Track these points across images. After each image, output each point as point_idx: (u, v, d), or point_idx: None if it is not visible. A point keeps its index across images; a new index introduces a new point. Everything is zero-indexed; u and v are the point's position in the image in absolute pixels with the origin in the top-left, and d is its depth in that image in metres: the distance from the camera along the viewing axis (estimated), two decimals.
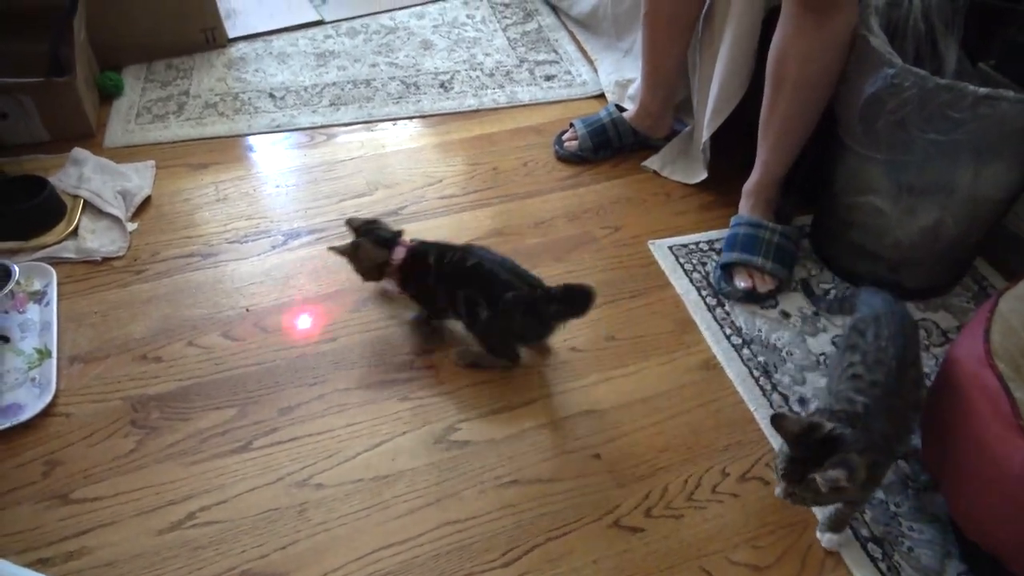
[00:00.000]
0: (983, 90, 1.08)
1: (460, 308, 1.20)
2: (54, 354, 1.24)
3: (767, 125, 1.35)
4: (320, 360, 1.26)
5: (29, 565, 0.99)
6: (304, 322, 1.32)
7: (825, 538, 1.05)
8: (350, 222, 1.29)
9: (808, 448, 0.90)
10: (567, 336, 1.31)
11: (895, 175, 1.24)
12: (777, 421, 0.91)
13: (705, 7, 1.49)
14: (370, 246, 1.10)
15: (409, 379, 1.24)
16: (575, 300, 1.16)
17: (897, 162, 1.22)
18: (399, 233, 1.26)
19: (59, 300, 1.33)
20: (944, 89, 1.09)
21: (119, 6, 1.80)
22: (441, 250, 1.23)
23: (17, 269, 1.30)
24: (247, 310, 1.34)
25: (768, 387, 1.24)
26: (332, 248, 1.04)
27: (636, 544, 1.04)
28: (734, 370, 1.26)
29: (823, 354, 1.29)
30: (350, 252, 1.24)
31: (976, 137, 1.12)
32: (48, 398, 1.17)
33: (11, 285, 1.27)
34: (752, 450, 1.16)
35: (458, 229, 1.51)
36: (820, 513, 1.07)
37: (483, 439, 1.16)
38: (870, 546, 1.04)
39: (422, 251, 1.24)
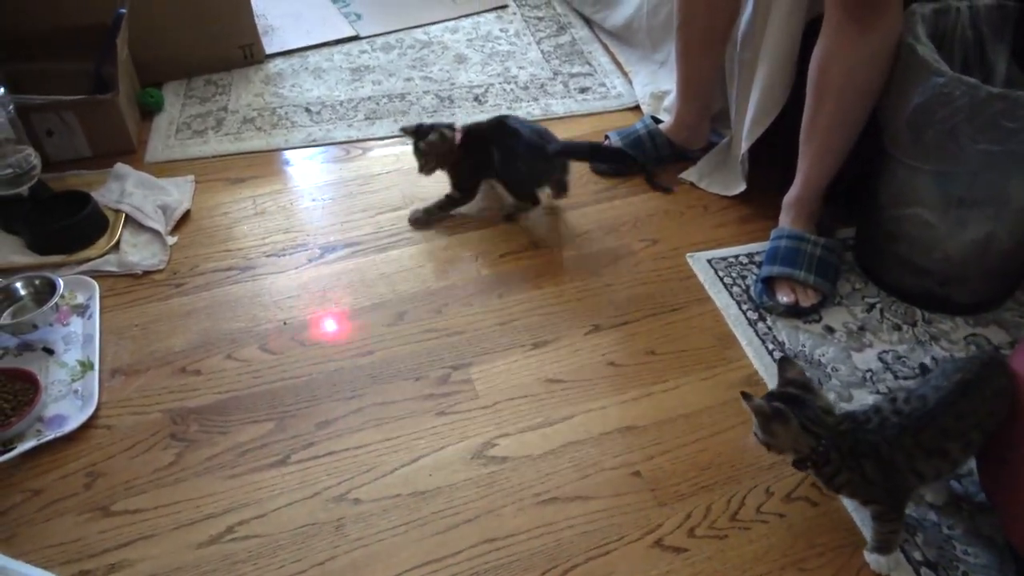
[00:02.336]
0: None
1: (496, 161, 1.49)
2: (96, 366, 1.25)
3: (809, 136, 1.33)
4: (357, 374, 1.26)
5: None
6: (336, 328, 1.33)
7: (872, 559, 1.02)
8: (404, 129, 1.53)
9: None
10: (606, 351, 1.29)
11: (944, 187, 1.21)
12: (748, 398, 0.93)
13: (743, 17, 1.47)
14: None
15: (447, 393, 1.23)
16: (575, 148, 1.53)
17: (946, 173, 1.19)
18: (451, 125, 1.52)
19: (101, 313, 1.35)
20: (998, 98, 1.06)
21: (160, 25, 1.83)
22: (479, 124, 1.54)
23: (62, 283, 1.32)
24: (284, 323, 1.34)
25: None
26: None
27: (679, 565, 1.02)
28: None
29: (869, 370, 1.25)
30: (432, 143, 1.48)
31: None
32: (90, 410, 1.18)
33: (56, 298, 1.30)
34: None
35: (492, 242, 1.51)
36: (867, 532, 1.04)
37: (521, 455, 1.14)
38: (923, 570, 1.00)
39: (473, 127, 1.53)
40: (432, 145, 1.49)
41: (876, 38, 1.19)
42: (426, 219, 1.56)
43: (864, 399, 1.21)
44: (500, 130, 1.48)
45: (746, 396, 0.92)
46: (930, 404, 0.93)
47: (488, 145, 1.49)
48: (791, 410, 0.91)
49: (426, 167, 1.53)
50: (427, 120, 1.75)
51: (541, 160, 1.47)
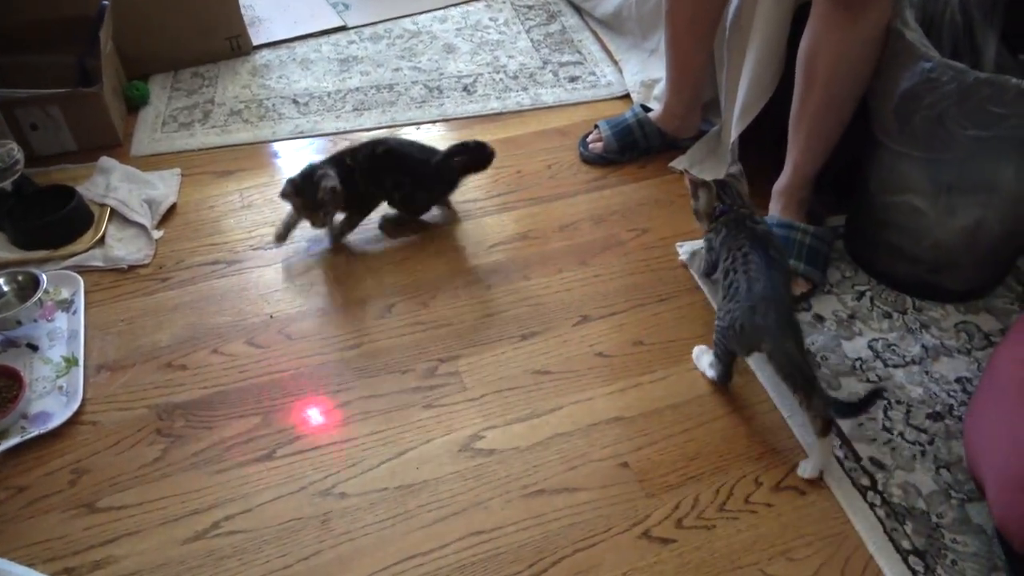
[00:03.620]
0: None
1: (389, 191, 1.45)
2: (81, 362, 1.24)
3: (798, 124, 1.32)
4: (344, 367, 1.25)
5: (56, 574, 1.00)
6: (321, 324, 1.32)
7: (699, 357, 1.23)
8: (284, 195, 1.41)
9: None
10: (594, 342, 1.28)
11: (934, 173, 1.20)
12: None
13: (732, 4, 1.46)
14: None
15: (434, 386, 1.22)
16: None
17: (936, 160, 1.18)
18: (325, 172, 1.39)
19: (86, 308, 1.34)
20: (985, 83, 1.05)
21: (145, 17, 1.81)
22: (354, 151, 1.44)
23: (46, 278, 1.31)
24: (271, 317, 1.33)
25: None
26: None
27: (667, 556, 1.01)
28: (765, 376, 1.22)
29: (859, 359, 1.25)
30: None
31: (1019, 132, 1.08)
32: (75, 406, 1.18)
33: (40, 294, 1.29)
34: (786, 458, 1.12)
35: (482, 233, 1.50)
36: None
37: (509, 447, 1.14)
38: (911, 559, 1.00)
39: (339, 158, 1.43)
40: (330, 193, 1.36)
41: (865, 24, 1.18)
42: (333, 234, 1.48)
43: (854, 388, 1.20)
44: (386, 158, 1.41)
45: (685, 171, 1.32)
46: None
47: (375, 173, 1.42)
48: (713, 185, 1.23)
49: (324, 219, 1.41)
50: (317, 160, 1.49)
51: (435, 178, 1.45)
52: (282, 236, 1.45)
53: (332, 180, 1.36)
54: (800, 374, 1.05)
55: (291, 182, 1.39)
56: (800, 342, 1.07)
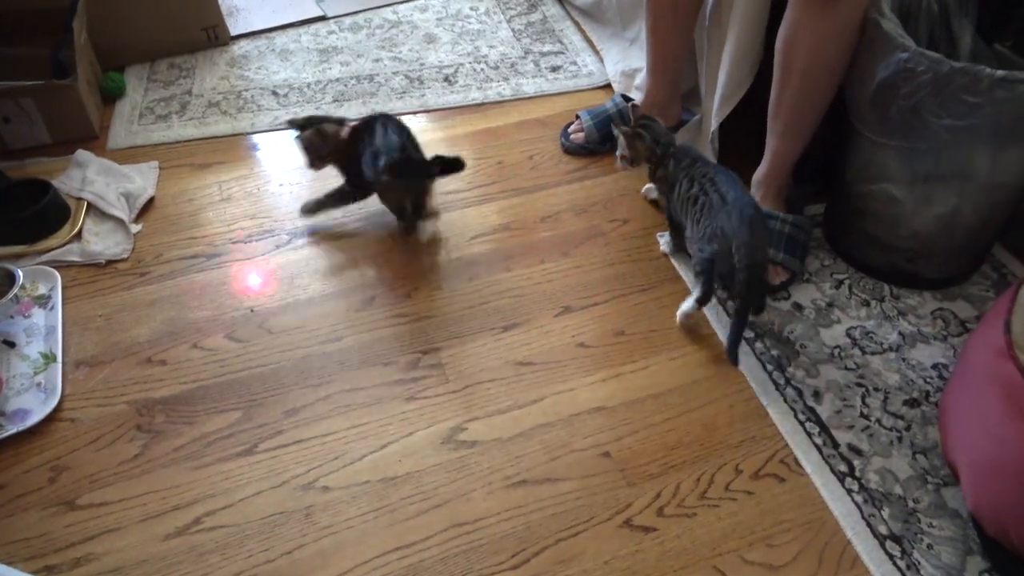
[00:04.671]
0: (1000, 72, 1.04)
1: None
2: (59, 358, 1.23)
3: (776, 113, 1.32)
4: (326, 361, 1.25)
5: (36, 572, 0.99)
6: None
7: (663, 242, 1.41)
8: (292, 121, 1.43)
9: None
10: (576, 332, 1.29)
11: (910, 162, 1.21)
12: None
13: None
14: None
15: (416, 378, 1.22)
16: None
17: (912, 149, 1.19)
18: (341, 120, 1.44)
19: (64, 304, 1.33)
20: (960, 73, 1.06)
21: (120, 7, 1.79)
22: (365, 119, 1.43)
23: (21, 273, 1.30)
24: (252, 311, 1.33)
25: (781, 381, 1.21)
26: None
27: (648, 544, 1.02)
28: (746, 364, 1.23)
29: (837, 346, 1.26)
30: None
31: (994, 121, 1.09)
32: (54, 403, 1.17)
33: (15, 290, 1.27)
34: (766, 446, 1.13)
35: (463, 225, 1.49)
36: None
37: (491, 439, 1.14)
38: (888, 543, 1.02)
39: (360, 124, 1.43)
40: (309, 141, 1.41)
41: (842, 13, 1.18)
42: (316, 209, 1.48)
43: (832, 375, 1.22)
44: (367, 128, 1.40)
45: (615, 126, 1.38)
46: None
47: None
48: (644, 130, 1.33)
49: (311, 164, 1.45)
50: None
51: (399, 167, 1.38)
52: (311, 210, 1.48)
53: (313, 131, 1.40)
54: (751, 279, 1.16)
55: (304, 119, 1.43)
56: (766, 249, 1.22)
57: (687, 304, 1.27)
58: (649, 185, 1.51)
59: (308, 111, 1.77)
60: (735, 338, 1.22)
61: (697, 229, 1.23)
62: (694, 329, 1.30)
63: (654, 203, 1.53)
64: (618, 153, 1.39)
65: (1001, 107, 1.06)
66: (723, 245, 1.17)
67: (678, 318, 1.29)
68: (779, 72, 1.27)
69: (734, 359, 1.23)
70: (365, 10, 2.14)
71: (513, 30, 2.07)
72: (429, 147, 1.67)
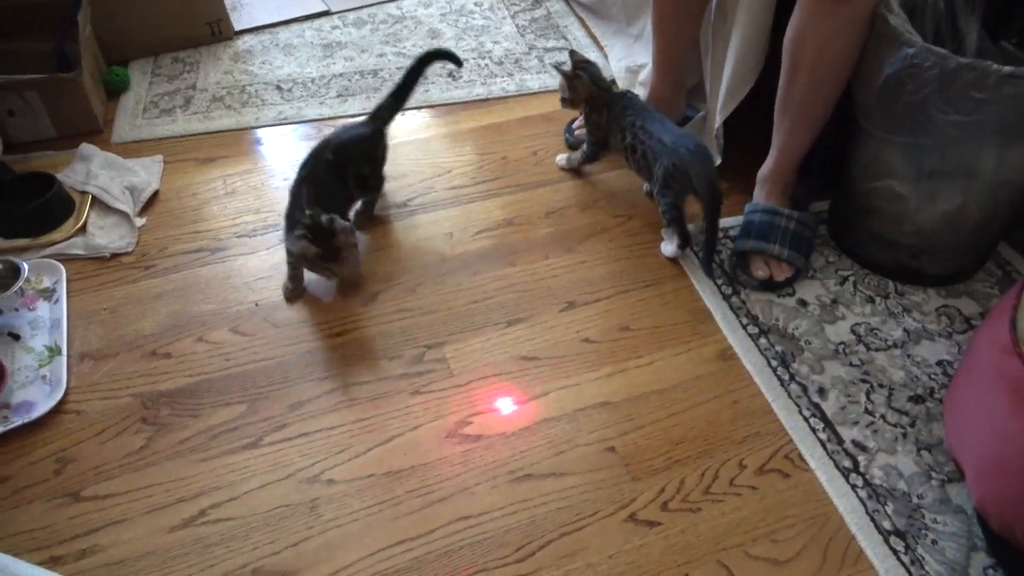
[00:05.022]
0: (1007, 69, 1.04)
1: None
2: (64, 351, 1.23)
3: (783, 109, 1.32)
4: (330, 354, 1.25)
5: (42, 563, 0.99)
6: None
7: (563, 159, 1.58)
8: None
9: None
10: (580, 327, 1.29)
11: (915, 159, 1.20)
12: None
13: None
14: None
15: (421, 373, 1.22)
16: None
17: (917, 145, 1.19)
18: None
19: (69, 297, 1.33)
20: (966, 68, 1.06)
21: (125, 1, 1.78)
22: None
23: (26, 267, 1.30)
24: (256, 305, 1.33)
25: (786, 377, 1.21)
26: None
27: (653, 538, 1.02)
28: (751, 360, 1.23)
29: (842, 343, 1.26)
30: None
31: (1000, 118, 1.09)
32: (59, 395, 1.17)
33: (21, 282, 1.27)
34: (770, 442, 1.13)
35: (467, 220, 1.49)
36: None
37: (495, 433, 1.14)
38: (892, 539, 1.02)
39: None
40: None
41: (850, 9, 1.18)
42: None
43: (836, 371, 1.22)
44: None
45: (555, 66, 1.50)
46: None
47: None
48: (583, 72, 1.44)
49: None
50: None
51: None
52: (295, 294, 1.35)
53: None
54: (712, 202, 1.29)
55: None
56: (714, 168, 1.35)
57: (670, 249, 1.40)
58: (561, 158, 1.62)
59: (312, 106, 1.77)
60: (709, 253, 1.34)
61: (654, 181, 1.37)
62: (698, 325, 1.30)
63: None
64: (561, 97, 1.50)
65: (1007, 103, 1.06)
66: (680, 182, 1.32)
67: (665, 254, 1.41)
68: (787, 68, 1.27)
69: (708, 272, 1.36)
70: (369, 5, 2.14)
71: (517, 26, 2.07)
72: (432, 143, 1.70)
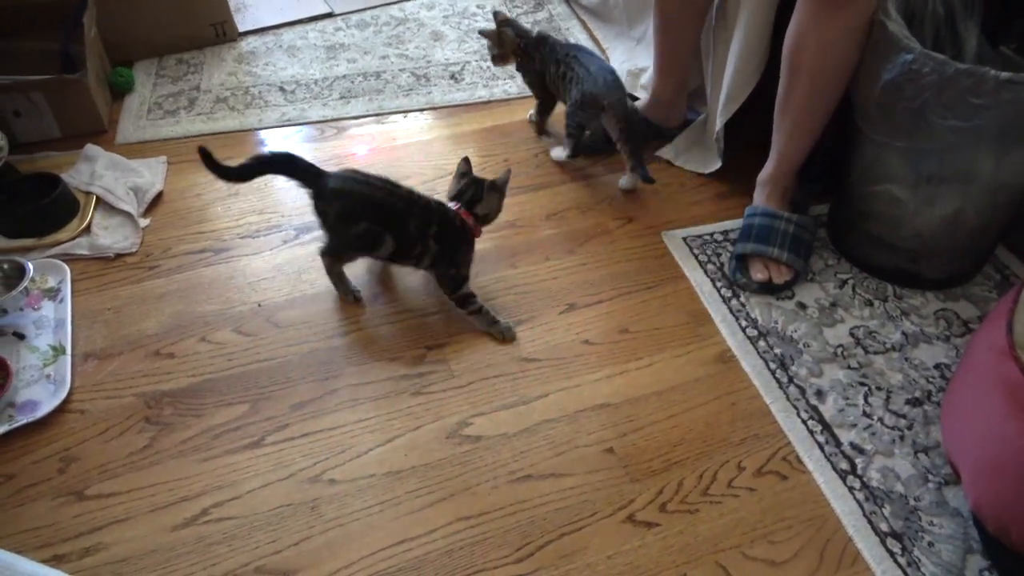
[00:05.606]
0: (1005, 74, 1.05)
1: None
2: (68, 351, 1.24)
3: (783, 113, 1.33)
4: (332, 355, 1.26)
5: (45, 561, 1.00)
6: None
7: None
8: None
9: None
10: (581, 329, 1.30)
11: (914, 163, 1.21)
12: None
13: None
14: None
15: (421, 374, 1.23)
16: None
17: (916, 150, 1.19)
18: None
19: (73, 297, 1.34)
20: (965, 74, 1.07)
21: (129, 2, 1.80)
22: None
23: (32, 266, 1.31)
24: (259, 305, 1.34)
25: (784, 380, 1.22)
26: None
27: (651, 539, 1.03)
28: (750, 363, 1.24)
29: (841, 346, 1.27)
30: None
31: (998, 123, 1.09)
32: (63, 395, 1.18)
33: (26, 282, 1.28)
34: (768, 444, 1.14)
35: None
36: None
37: (496, 434, 1.15)
38: (889, 541, 1.03)
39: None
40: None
41: (849, 14, 1.19)
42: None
43: (835, 374, 1.23)
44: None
45: (481, 31, 1.61)
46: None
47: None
48: (508, 26, 1.57)
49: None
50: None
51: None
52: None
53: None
54: (630, 124, 1.48)
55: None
56: (631, 104, 1.53)
57: (559, 152, 1.60)
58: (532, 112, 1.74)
59: (315, 107, 1.78)
60: (637, 163, 1.51)
61: (570, 100, 1.52)
62: (698, 327, 1.31)
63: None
64: (492, 55, 1.64)
65: (1006, 109, 1.07)
66: (593, 106, 1.48)
67: (552, 156, 1.62)
68: (786, 73, 1.28)
69: (646, 178, 1.51)
70: (372, 7, 2.15)
71: None
72: (434, 145, 1.71)
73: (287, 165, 1.26)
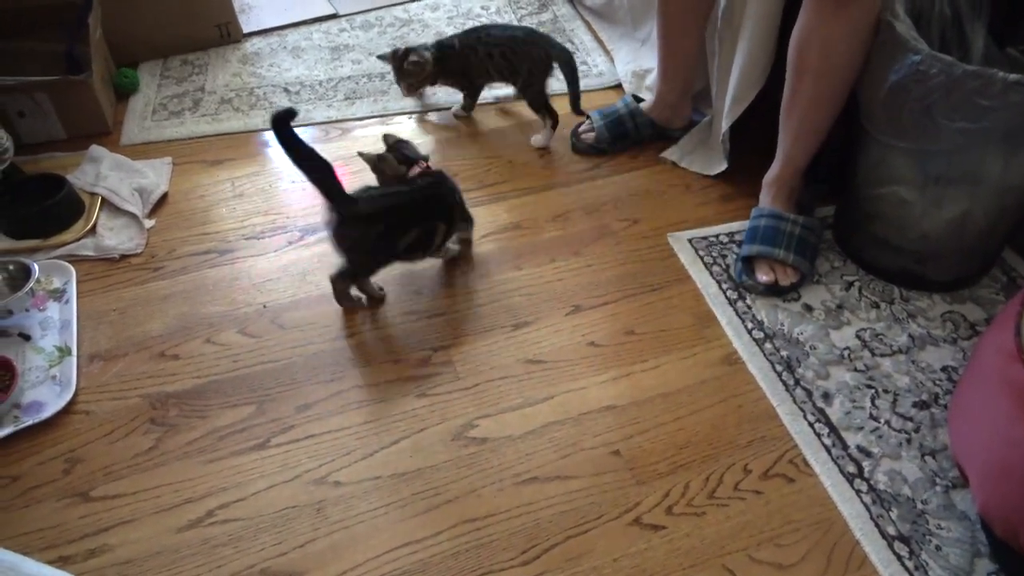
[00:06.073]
0: (1013, 76, 1.04)
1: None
2: (74, 352, 1.24)
3: (788, 114, 1.33)
4: (338, 357, 1.25)
5: (51, 563, 1.00)
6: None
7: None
8: (385, 137, 1.38)
9: None
10: (586, 331, 1.29)
11: (921, 165, 1.21)
12: None
13: None
14: (393, 160, 1.34)
15: (427, 375, 1.23)
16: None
17: (923, 151, 1.19)
18: (425, 157, 1.36)
19: (78, 298, 1.34)
20: (972, 76, 1.06)
21: (134, 3, 1.80)
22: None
23: (37, 267, 1.31)
24: (264, 307, 1.34)
25: (791, 382, 1.21)
26: (360, 153, 1.35)
27: (657, 542, 1.03)
28: (756, 365, 1.24)
29: (847, 348, 1.26)
30: (374, 162, 1.34)
31: (1006, 124, 1.09)
32: (68, 396, 1.18)
33: (31, 283, 1.28)
34: (775, 446, 1.14)
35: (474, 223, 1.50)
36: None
37: (501, 436, 1.15)
38: (896, 544, 1.02)
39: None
40: (379, 166, 1.36)
41: (855, 15, 1.19)
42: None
43: (841, 377, 1.22)
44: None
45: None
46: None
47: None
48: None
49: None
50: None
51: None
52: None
53: (390, 157, 1.35)
54: (573, 68, 1.61)
55: (395, 139, 1.40)
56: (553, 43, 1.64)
57: (540, 139, 1.67)
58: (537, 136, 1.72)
59: (320, 109, 1.78)
60: (575, 100, 1.64)
61: (518, 80, 1.64)
62: (703, 329, 1.30)
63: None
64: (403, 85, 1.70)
65: (1013, 110, 1.07)
66: (538, 68, 1.60)
67: (534, 144, 1.68)
68: (792, 74, 1.28)
69: (578, 111, 1.65)
70: (376, 8, 2.15)
71: None
72: (440, 145, 1.70)
73: (322, 173, 1.19)
